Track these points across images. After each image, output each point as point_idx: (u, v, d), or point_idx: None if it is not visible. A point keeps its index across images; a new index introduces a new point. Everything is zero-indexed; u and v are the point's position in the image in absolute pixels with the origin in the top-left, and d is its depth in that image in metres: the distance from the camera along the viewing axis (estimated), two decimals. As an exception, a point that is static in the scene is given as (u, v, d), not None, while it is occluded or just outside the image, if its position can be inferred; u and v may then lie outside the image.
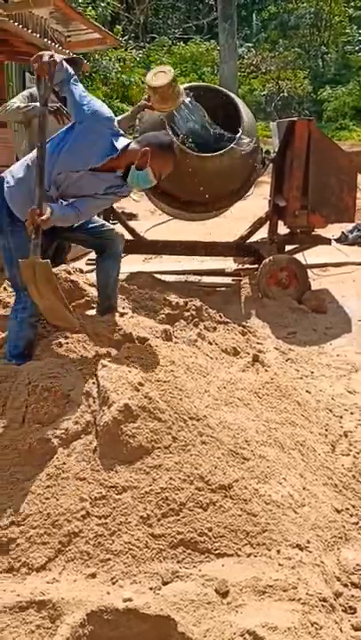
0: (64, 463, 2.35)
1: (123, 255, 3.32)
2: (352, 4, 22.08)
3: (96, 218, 3.35)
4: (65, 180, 2.92)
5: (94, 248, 3.40)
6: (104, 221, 3.46)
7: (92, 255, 6.01)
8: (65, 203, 2.94)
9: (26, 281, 2.83)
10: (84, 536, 2.16)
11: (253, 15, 24.49)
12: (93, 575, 2.07)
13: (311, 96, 19.88)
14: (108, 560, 2.10)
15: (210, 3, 23.38)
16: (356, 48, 20.65)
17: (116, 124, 2.93)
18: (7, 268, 3.08)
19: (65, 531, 2.18)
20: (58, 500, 2.26)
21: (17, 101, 4.93)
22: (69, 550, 2.14)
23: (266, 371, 3.29)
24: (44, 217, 2.69)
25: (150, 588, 2.01)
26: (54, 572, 2.09)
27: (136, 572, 2.07)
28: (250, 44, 22.57)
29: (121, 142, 2.87)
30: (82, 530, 2.17)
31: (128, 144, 2.88)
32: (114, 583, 2.04)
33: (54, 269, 3.65)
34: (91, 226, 3.22)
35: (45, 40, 9.43)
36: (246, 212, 7.48)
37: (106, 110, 2.94)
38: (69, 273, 3.68)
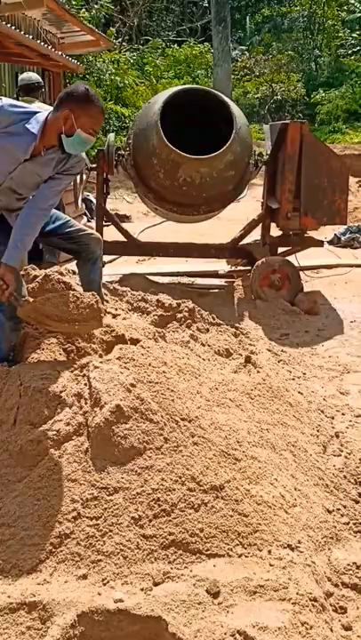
0: (55, 464, 2.35)
1: (116, 258, 3.34)
2: (345, 7, 22.18)
3: (74, 222, 3.29)
4: (12, 184, 2.83)
5: (71, 253, 3.37)
6: (81, 226, 3.43)
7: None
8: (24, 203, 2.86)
9: (39, 324, 2.80)
10: (76, 537, 2.16)
11: (247, 18, 24.59)
12: (84, 576, 2.07)
13: (304, 99, 19.97)
14: (99, 561, 2.10)
15: (204, 5, 23.47)
16: (350, 51, 20.75)
17: (15, 108, 2.73)
18: None
19: (56, 532, 2.18)
20: (49, 501, 2.25)
21: None
22: (60, 551, 2.14)
23: (258, 372, 3.30)
24: (8, 280, 2.65)
25: (141, 589, 2.01)
26: (45, 573, 2.09)
27: (127, 572, 2.07)
28: (244, 47, 22.66)
29: (37, 122, 2.70)
30: (73, 531, 2.17)
31: (46, 119, 2.70)
32: (105, 584, 2.04)
33: (48, 269, 3.66)
34: (67, 230, 3.18)
35: (38, 41, 9.44)
36: (239, 215, 7.51)
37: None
38: (62, 274, 3.68)
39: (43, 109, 2.83)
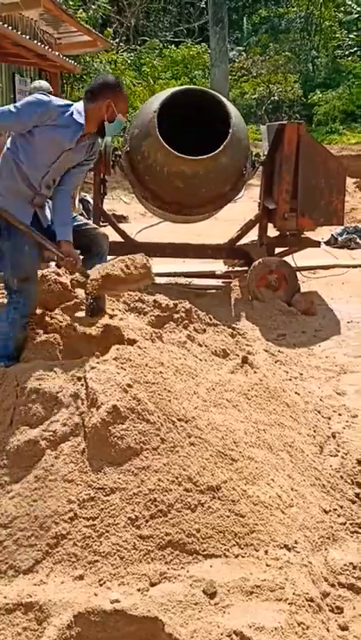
0: (52, 465, 2.35)
1: (113, 258, 3.32)
2: (342, 8, 22.21)
3: (80, 217, 3.40)
4: (52, 175, 3.04)
5: (80, 247, 3.39)
6: (88, 221, 3.50)
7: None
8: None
9: (106, 290, 3.13)
10: (72, 538, 2.16)
11: (244, 19, 24.61)
12: (81, 577, 2.07)
13: (302, 100, 19.99)
14: (95, 562, 2.10)
15: (201, 6, 23.48)
16: (347, 52, 20.78)
17: (57, 101, 2.98)
18: (3, 269, 3.10)
19: (52, 533, 2.17)
20: (45, 502, 2.25)
21: None
22: (57, 552, 2.14)
23: (255, 372, 3.30)
24: (78, 262, 3.04)
25: (138, 590, 2.01)
26: (42, 573, 2.09)
27: (124, 573, 2.07)
28: (241, 48, 22.67)
29: (78, 112, 2.96)
30: (70, 532, 2.17)
31: (84, 108, 2.98)
32: (101, 585, 2.04)
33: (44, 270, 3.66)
34: (76, 224, 3.24)
35: (35, 42, 9.43)
36: (236, 215, 7.51)
37: (45, 101, 2.95)
38: (59, 275, 3.68)
39: None
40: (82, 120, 2.95)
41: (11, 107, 2.96)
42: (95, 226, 3.50)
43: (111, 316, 3.61)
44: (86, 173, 3.46)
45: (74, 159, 3.10)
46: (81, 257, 3.48)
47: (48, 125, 2.92)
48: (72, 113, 2.96)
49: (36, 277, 3.26)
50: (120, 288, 3.18)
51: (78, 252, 3.22)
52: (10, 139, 3.10)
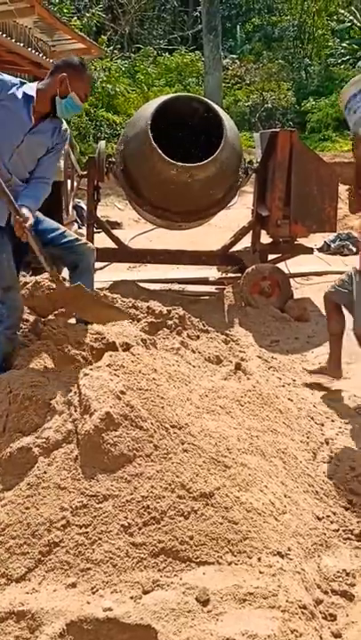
0: (45, 472, 2.34)
1: (107, 264, 3.36)
2: (335, 17, 22.37)
3: (69, 232, 3.36)
4: (19, 159, 2.99)
5: (67, 264, 3.39)
6: (77, 236, 3.47)
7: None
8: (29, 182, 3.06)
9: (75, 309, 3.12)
10: (65, 545, 2.15)
11: (238, 27, 24.73)
12: (73, 585, 2.06)
13: (295, 107, 20.08)
14: (88, 569, 2.09)
15: (195, 15, 23.61)
16: (339, 60, 20.91)
17: (8, 77, 2.97)
18: None
19: (45, 540, 2.17)
20: (38, 509, 2.24)
21: None
22: (49, 560, 2.13)
23: (248, 379, 3.30)
24: (28, 221, 2.80)
25: (131, 597, 2.00)
26: (34, 582, 2.08)
27: (117, 581, 2.06)
28: (234, 56, 22.76)
29: (29, 88, 2.95)
30: (62, 539, 2.16)
31: (38, 84, 2.97)
32: (94, 592, 2.03)
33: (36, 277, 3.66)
34: (64, 241, 3.22)
35: (30, 49, 9.46)
36: (230, 222, 7.54)
37: None
38: (52, 282, 3.68)
39: None
40: (32, 92, 2.93)
41: None
42: (84, 240, 3.43)
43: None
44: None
45: (43, 141, 3.03)
46: (68, 274, 3.49)
47: (2, 101, 2.90)
48: (22, 86, 2.95)
49: (18, 285, 3.25)
50: (81, 313, 3.17)
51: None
52: None
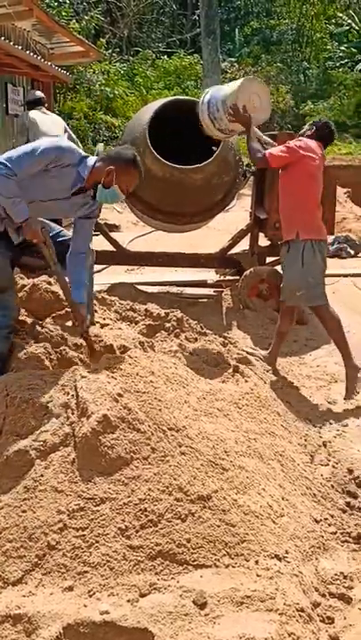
0: (41, 475, 2.33)
1: (105, 267, 3.37)
2: (333, 20, 22.44)
3: (66, 232, 3.39)
4: (40, 206, 3.02)
5: (64, 263, 3.39)
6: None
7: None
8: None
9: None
10: (62, 549, 2.14)
11: (236, 31, 24.78)
12: (70, 588, 2.05)
13: (293, 110, 20.13)
14: (85, 572, 2.09)
15: (193, 18, 23.66)
16: (337, 64, 20.98)
17: (75, 152, 3.01)
18: None
19: (42, 544, 2.16)
20: (35, 512, 2.24)
21: None
22: (46, 563, 2.12)
23: (246, 381, 3.30)
24: (84, 323, 3.05)
25: (128, 600, 1.99)
26: (30, 585, 2.07)
27: (113, 584, 2.06)
28: (233, 59, 22.81)
29: (86, 167, 2.98)
30: (59, 542, 2.16)
31: (94, 164, 2.99)
32: (91, 596, 2.02)
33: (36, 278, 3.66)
34: (61, 239, 3.24)
35: (28, 52, 9.47)
36: (228, 224, 7.53)
37: (61, 146, 3.01)
38: (50, 284, 3.68)
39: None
40: (84, 175, 2.98)
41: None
42: None
43: (102, 326, 3.62)
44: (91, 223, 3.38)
45: (65, 208, 3.11)
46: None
47: (53, 170, 2.94)
48: (80, 165, 2.98)
49: (14, 286, 3.27)
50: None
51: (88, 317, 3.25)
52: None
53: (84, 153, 3.07)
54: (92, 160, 3.02)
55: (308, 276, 3.97)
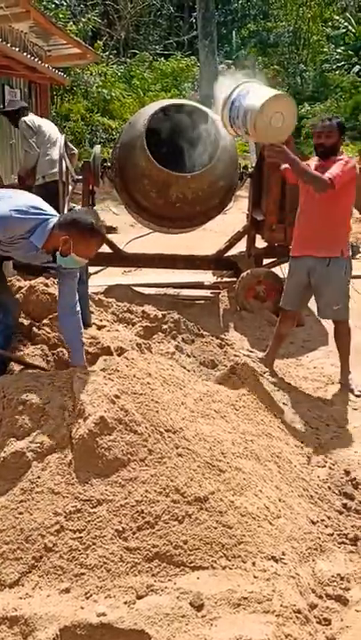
0: (38, 477, 2.33)
1: (101, 269, 3.37)
2: (330, 23, 22.49)
3: None
4: (6, 251, 2.95)
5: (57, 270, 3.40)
6: None
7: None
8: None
9: None
10: (58, 550, 2.14)
11: (233, 33, 24.84)
12: (67, 590, 2.05)
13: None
14: (82, 574, 2.08)
15: (190, 20, 23.71)
16: (334, 66, 21.02)
17: (25, 221, 2.83)
18: None
19: (38, 546, 2.16)
20: (32, 514, 2.23)
21: None
22: (43, 565, 2.12)
23: (243, 383, 3.30)
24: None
25: (125, 602, 1.99)
26: (27, 587, 2.07)
27: (110, 586, 2.05)
28: (230, 61, 22.85)
29: (43, 233, 2.82)
30: (56, 544, 2.15)
31: (51, 230, 2.82)
32: (88, 598, 2.02)
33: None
34: None
35: (25, 54, 9.47)
36: (225, 226, 7.53)
37: (7, 217, 2.82)
38: (47, 285, 3.68)
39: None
40: (39, 244, 2.82)
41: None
42: None
43: (100, 327, 3.62)
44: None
45: (38, 257, 2.97)
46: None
47: (9, 241, 2.85)
48: (34, 233, 2.82)
49: (9, 288, 3.25)
50: None
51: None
52: None
53: (46, 215, 2.87)
54: (51, 224, 2.84)
55: (347, 292, 4.04)
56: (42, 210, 2.90)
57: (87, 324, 3.39)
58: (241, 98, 3.68)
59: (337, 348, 4.21)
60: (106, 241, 5.87)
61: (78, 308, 3.03)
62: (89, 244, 2.82)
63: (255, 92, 3.68)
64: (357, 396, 3.97)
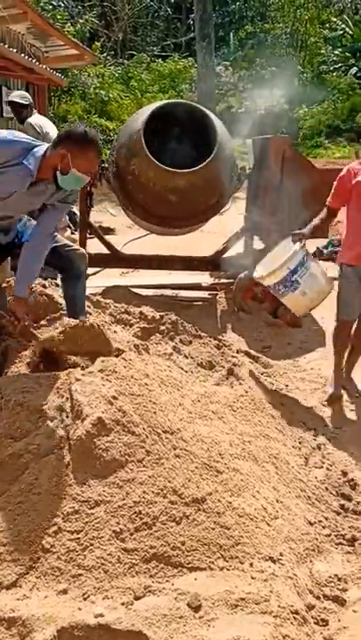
0: (36, 478, 2.33)
1: (99, 270, 3.38)
2: (327, 25, 22.55)
3: (59, 237, 3.36)
4: (2, 209, 2.90)
5: (57, 269, 3.40)
6: (67, 241, 3.48)
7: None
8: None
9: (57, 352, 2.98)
10: (56, 552, 2.14)
11: (231, 34, 24.87)
12: (65, 591, 2.05)
13: (287, 114, 20.20)
14: (79, 575, 2.08)
15: (188, 22, 23.74)
16: (331, 68, 21.07)
17: (15, 144, 2.77)
18: None
19: (36, 547, 2.15)
20: (29, 515, 2.23)
21: None
22: (40, 566, 2.12)
23: (240, 384, 3.31)
24: (19, 314, 2.97)
25: (122, 603, 1.99)
26: (25, 588, 2.06)
27: (108, 587, 2.05)
28: (227, 63, 22.89)
29: (34, 158, 2.75)
30: (53, 545, 2.15)
31: (45, 153, 2.76)
32: (85, 599, 2.02)
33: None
34: (54, 246, 3.23)
35: (23, 55, 9.47)
36: (223, 227, 7.54)
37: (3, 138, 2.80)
38: (44, 287, 3.68)
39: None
40: (32, 167, 2.73)
41: None
42: (75, 246, 3.42)
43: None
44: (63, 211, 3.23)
45: (31, 201, 2.90)
46: (59, 276, 3.51)
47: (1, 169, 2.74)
48: (26, 157, 2.75)
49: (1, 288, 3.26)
50: (69, 354, 2.99)
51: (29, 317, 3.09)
52: None
53: (34, 142, 2.80)
54: (42, 149, 2.76)
55: None
56: (28, 138, 2.85)
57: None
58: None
59: (352, 347, 4.14)
60: (104, 242, 5.90)
61: (50, 245, 2.98)
62: (87, 154, 2.73)
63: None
64: (357, 397, 3.97)
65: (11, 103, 6.60)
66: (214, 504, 2.33)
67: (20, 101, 6.44)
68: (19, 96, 6.62)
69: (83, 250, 3.47)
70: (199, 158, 5.22)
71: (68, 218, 7.52)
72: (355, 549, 2.55)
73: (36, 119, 6.39)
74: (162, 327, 3.83)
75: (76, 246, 3.50)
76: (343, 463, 3.13)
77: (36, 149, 2.78)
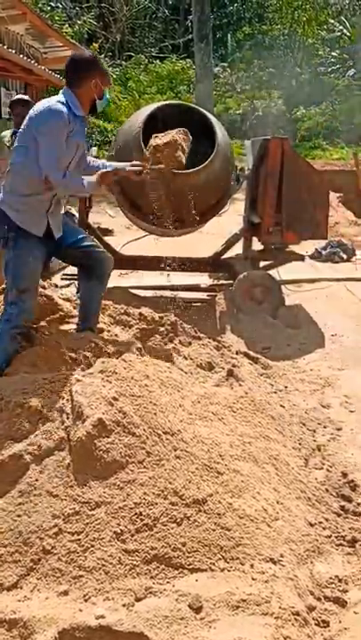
0: (36, 480, 2.33)
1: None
2: (325, 26, 22.60)
3: (90, 237, 3.45)
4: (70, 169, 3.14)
5: (83, 267, 3.41)
6: (98, 243, 3.52)
7: (68, 270, 6.00)
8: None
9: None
10: (57, 553, 2.14)
11: (229, 36, 24.91)
12: (65, 592, 2.04)
13: (285, 115, 20.24)
14: (80, 577, 2.08)
15: (186, 23, 23.77)
16: (329, 69, 21.12)
17: (61, 114, 2.99)
18: (6, 278, 3.12)
19: (37, 548, 2.15)
20: (30, 517, 2.23)
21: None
22: (41, 568, 2.12)
23: (240, 385, 3.31)
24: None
25: (123, 605, 1.99)
26: (25, 590, 2.06)
27: (109, 588, 2.05)
28: (225, 64, 22.92)
29: (75, 106, 3.03)
30: (54, 547, 2.15)
31: (74, 96, 3.05)
32: (86, 600, 2.02)
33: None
34: (85, 244, 3.26)
35: (22, 56, 9.48)
36: (221, 229, 7.55)
37: (53, 110, 3.03)
38: (44, 288, 3.68)
39: None
40: (80, 112, 3.06)
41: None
42: (103, 249, 3.49)
43: (99, 331, 3.61)
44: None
45: (80, 144, 3.18)
46: (69, 272, 3.57)
47: (71, 132, 3.03)
48: (71, 109, 3.01)
49: (36, 290, 3.27)
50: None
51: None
52: (15, 151, 3.08)
53: (57, 97, 3.07)
54: (68, 97, 3.05)
55: None
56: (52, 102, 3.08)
57: (91, 329, 3.39)
58: None
59: None
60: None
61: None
62: (104, 70, 3.15)
63: None
64: None
65: (12, 103, 6.67)
66: (215, 505, 2.33)
67: (24, 97, 6.62)
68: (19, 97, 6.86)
69: (109, 254, 3.50)
70: (198, 160, 5.22)
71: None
72: (355, 550, 2.54)
73: None
74: (161, 328, 3.83)
75: (104, 249, 3.55)
76: (343, 464, 3.13)
77: (60, 101, 3.01)
